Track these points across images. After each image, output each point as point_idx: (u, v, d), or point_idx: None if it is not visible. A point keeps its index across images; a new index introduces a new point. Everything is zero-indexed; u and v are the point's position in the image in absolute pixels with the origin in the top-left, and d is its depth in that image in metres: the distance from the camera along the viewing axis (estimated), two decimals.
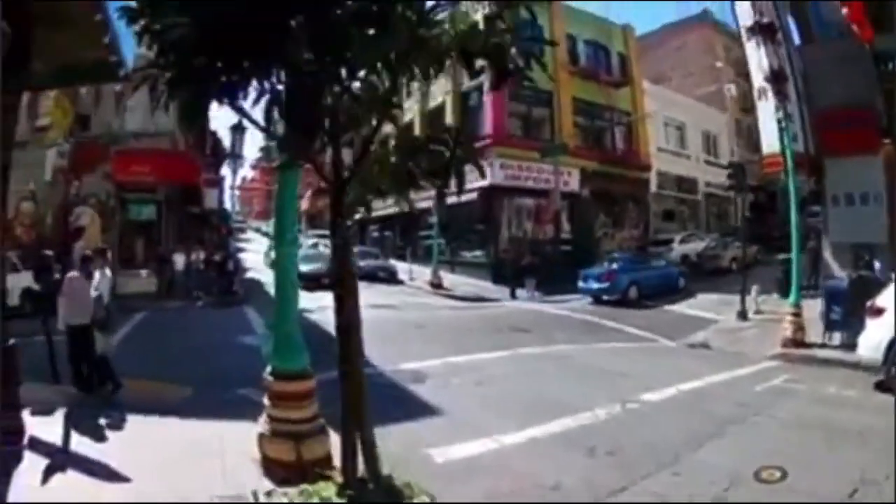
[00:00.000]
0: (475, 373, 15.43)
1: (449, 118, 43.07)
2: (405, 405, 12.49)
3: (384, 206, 38.03)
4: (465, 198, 37.92)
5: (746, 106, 62.85)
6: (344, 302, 6.50)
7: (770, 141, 24.57)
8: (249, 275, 40.63)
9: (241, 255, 41.72)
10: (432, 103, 47.60)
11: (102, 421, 10.86)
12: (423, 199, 45.26)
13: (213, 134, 52.08)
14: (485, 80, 5.60)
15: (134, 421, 10.91)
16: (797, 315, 19.07)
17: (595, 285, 30.34)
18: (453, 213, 38.39)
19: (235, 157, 36.87)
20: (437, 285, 36.06)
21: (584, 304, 29.48)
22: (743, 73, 63.47)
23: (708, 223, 55.71)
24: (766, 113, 24.14)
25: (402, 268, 41.13)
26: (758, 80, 24.37)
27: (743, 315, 24.00)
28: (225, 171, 53.39)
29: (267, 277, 40.73)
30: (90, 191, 32.49)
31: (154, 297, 29.90)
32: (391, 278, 39.44)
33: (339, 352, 6.40)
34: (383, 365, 15.61)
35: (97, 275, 13.33)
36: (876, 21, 20.00)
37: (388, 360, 16.19)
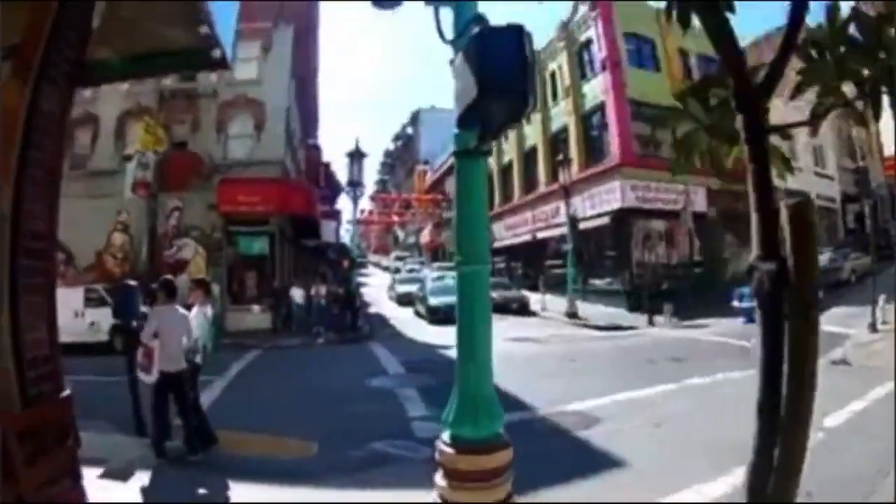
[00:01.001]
0: (648, 411, 12.62)
1: (572, 141, 40.37)
2: (583, 457, 9.97)
3: (510, 235, 34.42)
4: (595, 223, 35.53)
5: (853, 115, 59.23)
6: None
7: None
8: (372, 310, 38.13)
9: (363, 290, 38.07)
10: (554, 126, 44.90)
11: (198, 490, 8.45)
12: (548, 228, 43.59)
13: (327, 165, 48.98)
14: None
15: (239, 489, 8.41)
16: None
17: (748, 304, 25.48)
18: (583, 238, 35.62)
19: (354, 185, 32.62)
20: (572, 315, 32.56)
21: (730, 327, 26.01)
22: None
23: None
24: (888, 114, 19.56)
25: (532, 298, 37.43)
26: None
27: (874, 327, 21.34)
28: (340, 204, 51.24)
29: (391, 312, 38.50)
30: (192, 222, 30.16)
31: (268, 335, 27.29)
32: (523, 309, 35.72)
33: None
34: (545, 407, 13.15)
35: (194, 311, 10.48)
36: None
37: (547, 400, 13.68)
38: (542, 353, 22.32)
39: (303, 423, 11.93)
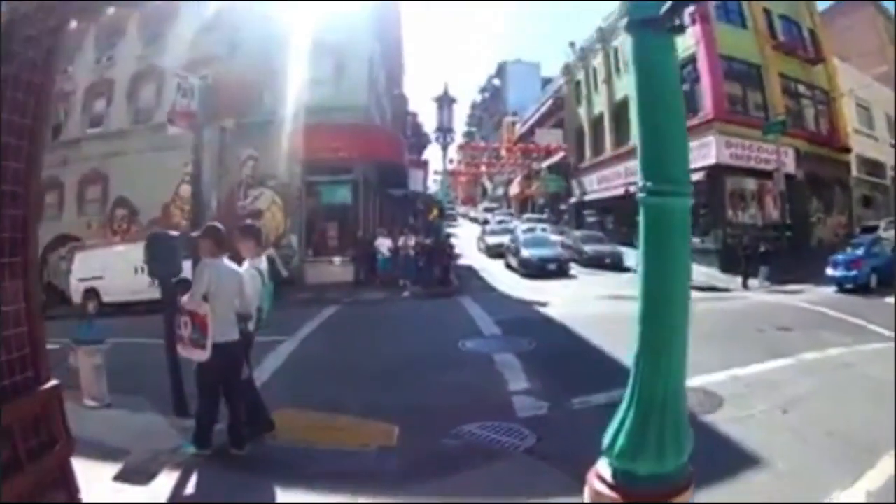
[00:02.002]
0: (773, 392, 10.07)
1: None
2: (716, 450, 7.12)
3: (601, 189, 30.43)
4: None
5: None
6: None
7: None
8: (461, 262, 34.90)
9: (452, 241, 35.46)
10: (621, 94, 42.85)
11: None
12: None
13: (414, 115, 46.35)
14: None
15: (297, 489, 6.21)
16: None
17: (842, 273, 24.98)
18: None
19: (445, 131, 29.52)
20: None
21: (824, 296, 23.53)
22: None
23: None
24: None
25: (628, 253, 34.37)
26: None
27: None
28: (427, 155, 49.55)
29: (481, 264, 35.86)
30: (268, 171, 27.92)
31: (351, 288, 24.98)
32: (618, 264, 33.23)
33: None
34: None
35: (245, 265, 7.72)
36: None
37: None
38: None
39: (383, 399, 9.53)
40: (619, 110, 45.49)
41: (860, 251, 25.81)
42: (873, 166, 45.07)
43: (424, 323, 18.74)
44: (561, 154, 58.80)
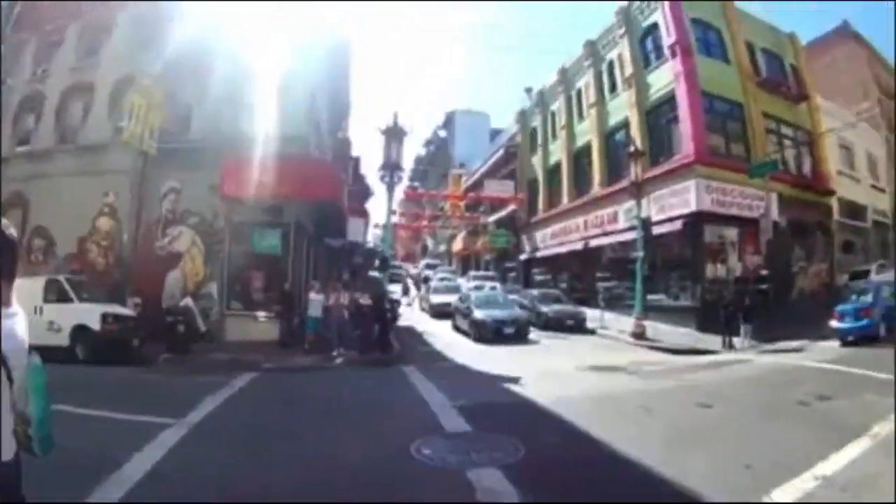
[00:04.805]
0: (875, 488, 7.69)
1: (636, 137, 35.21)
2: None
3: (555, 244, 28.05)
4: (664, 229, 31.52)
5: (893, 125, 58.23)
6: None
7: None
8: (401, 322, 31.79)
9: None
10: (612, 121, 40.69)
11: None
12: (603, 235, 39.36)
13: (356, 160, 44.38)
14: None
15: None
16: None
17: (853, 324, 24.09)
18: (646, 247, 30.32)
19: (392, 169, 26.70)
20: (639, 335, 27.63)
21: (830, 351, 22.50)
22: (884, 89, 57.45)
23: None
24: None
25: (588, 314, 32.98)
26: None
27: None
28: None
29: (425, 326, 33.87)
30: (190, 207, 25.88)
31: (275, 349, 22.30)
32: (580, 326, 31.24)
33: None
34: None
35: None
36: None
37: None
38: (649, 391, 16.13)
39: None
40: (580, 157, 44.93)
41: (869, 298, 25.03)
42: (854, 209, 44.82)
43: (361, 406, 14.19)
44: (511, 207, 58.27)
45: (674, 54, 33.21)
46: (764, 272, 30.98)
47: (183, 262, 24.81)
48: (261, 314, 24.75)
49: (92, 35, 29.13)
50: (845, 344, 23.75)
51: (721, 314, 26.66)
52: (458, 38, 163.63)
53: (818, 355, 21.77)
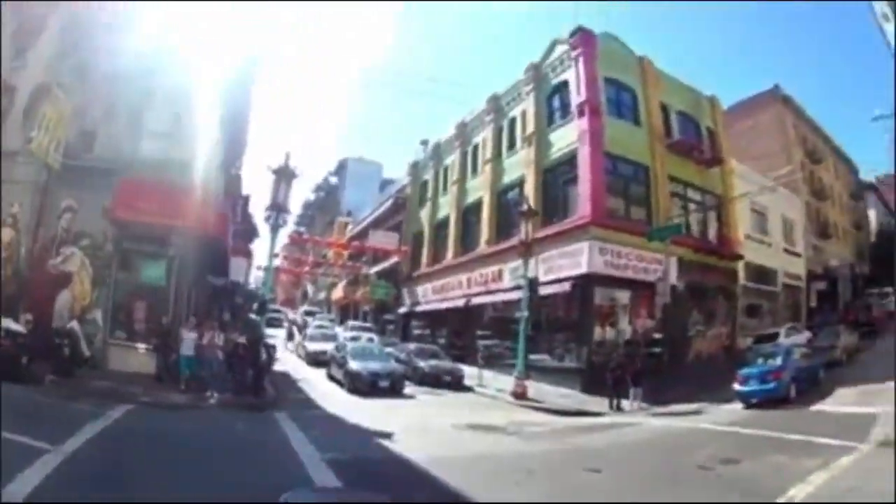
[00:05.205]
0: None
1: (530, 195, 36.16)
2: None
3: (437, 300, 31.86)
4: (552, 289, 32.59)
5: (815, 188, 63.44)
6: None
7: None
8: (277, 367, 31.85)
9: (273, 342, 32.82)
10: (506, 179, 42.32)
11: None
12: (487, 294, 40.80)
13: (246, 198, 45.35)
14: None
15: None
16: None
17: (759, 387, 25.16)
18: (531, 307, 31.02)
19: (278, 210, 26.75)
20: (521, 395, 28.45)
21: (733, 414, 23.62)
22: (809, 153, 61.90)
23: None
24: None
25: (465, 372, 33.71)
26: None
27: None
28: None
29: (300, 373, 34.46)
30: (84, 228, 25.97)
31: (153, 384, 22.92)
32: (457, 383, 32.20)
33: None
34: None
35: None
36: None
37: None
38: (532, 453, 16.77)
39: None
40: (469, 214, 46.35)
41: (778, 361, 26.10)
42: (763, 273, 47.15)
43: (231, 452, 14.50)
44: (394, 259, 59.61)
45: (581, 114, 34.26)
46: (657, 335, 32.19)
47: (73, 284, 24.92)
48: (141, 346, 25.04)
49: (24, 36, 28.37)
50: (749, 407, 24.75)
51: (608, 377, 27.35)
52: (363, 83, 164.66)
53: (718, 418, 22.81)
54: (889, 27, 23.10)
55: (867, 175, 78.97)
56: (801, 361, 27.14)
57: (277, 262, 67.44)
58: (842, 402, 23.42)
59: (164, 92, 26.30)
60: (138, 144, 26.13)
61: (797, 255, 54.17)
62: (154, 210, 24.90)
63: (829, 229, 65.10)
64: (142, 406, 19.14)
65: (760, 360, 27.16)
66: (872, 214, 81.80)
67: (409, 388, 29.73)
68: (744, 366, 27.50)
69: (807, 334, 38.24)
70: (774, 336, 36.66)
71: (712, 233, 40.72)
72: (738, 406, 24.98)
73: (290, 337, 49.59)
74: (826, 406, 23.12)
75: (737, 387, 25.64)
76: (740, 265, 42.47)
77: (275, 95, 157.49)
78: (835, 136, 71.49)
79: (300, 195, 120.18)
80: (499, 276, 39.28)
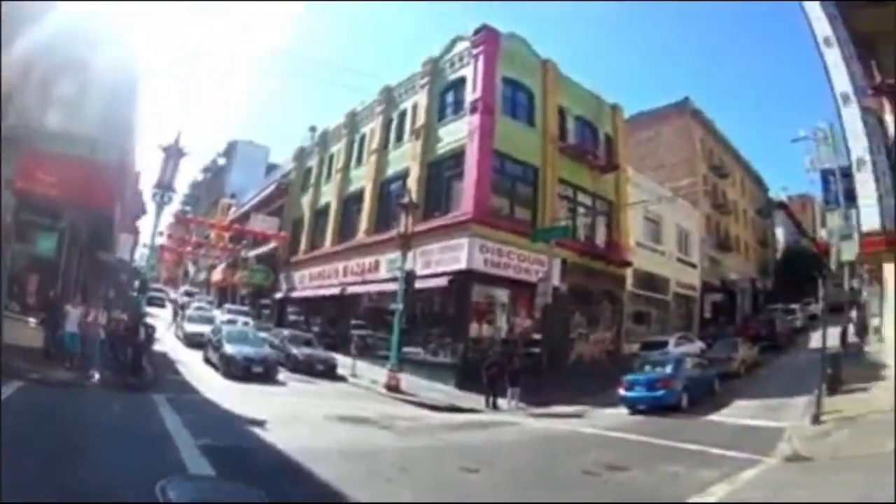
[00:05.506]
0: None
1: (413, 189, 36.55)
2: None
3: (313, 287, 33.99)
4: (430, 283, 33.42)
5: (718, 202, 66.51)
6: None
7: (870, 218, 25.22)
8: (157, 347, 32.10)
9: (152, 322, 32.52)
10: (391, 170, 43.82)
11: None
12: (363, 284, 41.69)
13: (137, 174, 46.00)
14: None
15: None
16: None
17: (646, 393, 25.87)
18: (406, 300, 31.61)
19: (165, 188, 26.88)
20: (394, 387, 29.01)
21: (617, 419, 24.50)
22: (715, 167, 64.20)
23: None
24: (866, 187, 25.40)
25: (339, 361, 34.34)
26: (857, 149, 26.21)
27: (816, 419, 20.11)
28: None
29: (178, 354, 34.48)
30: None
31: (41, 359, 23.19)
32: (329, 372, 32.74)
33: None
34: None
35: None
36: None
37: None
38: (407, 449, 16.92)
39: None
40: (350, 203, 47.59)
41: (668, 369, 26.72)
42: (654, 281, 49.13)
43: (107, 435, 14.35)
44: (273, 244, 61.10)
45: (474, 110, 35.15)
46: (536, 336, 33.10)
47: None
48: (31, 320, 25.17)
49: None
50: (635, 413, 25.40)
51: (483, 374, 27.88)
52: (262, 68, 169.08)
53: (601, 422, 23.25)
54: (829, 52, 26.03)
55: (778, 194, 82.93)
56: (694, 371, 27.76)
57: (162, 240, 68.10)
58: (740, 414, 23.79)
59: (72, 63, 26.36)
60: (45, 114, 26.32)
61: (692, 265, 56.33)
62: (52, 182, 25.31)
63: (729, 242, 67.77)
64: (32, 384, 19.03)
65: (648, 368, 28.21)
66: (780, 232, 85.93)
67: (282, 375, 30.25)
68: (629, 371, 28.61)
69: (700, 344, 39.57)
70: (663, 344, 37.66)
71: (601, 238, 42.20)
72: (622, 411, 25.80)
73: (175, 317, 49.71)
74: (723, 417, 23.56)
75: (622, 392, 26.33)
76: (629, 271, 44.12)
77: (172, 75, 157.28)
78: (750, 154, 75.06)
79: (188, 175, 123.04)
80: (376, 267, 40.57)
